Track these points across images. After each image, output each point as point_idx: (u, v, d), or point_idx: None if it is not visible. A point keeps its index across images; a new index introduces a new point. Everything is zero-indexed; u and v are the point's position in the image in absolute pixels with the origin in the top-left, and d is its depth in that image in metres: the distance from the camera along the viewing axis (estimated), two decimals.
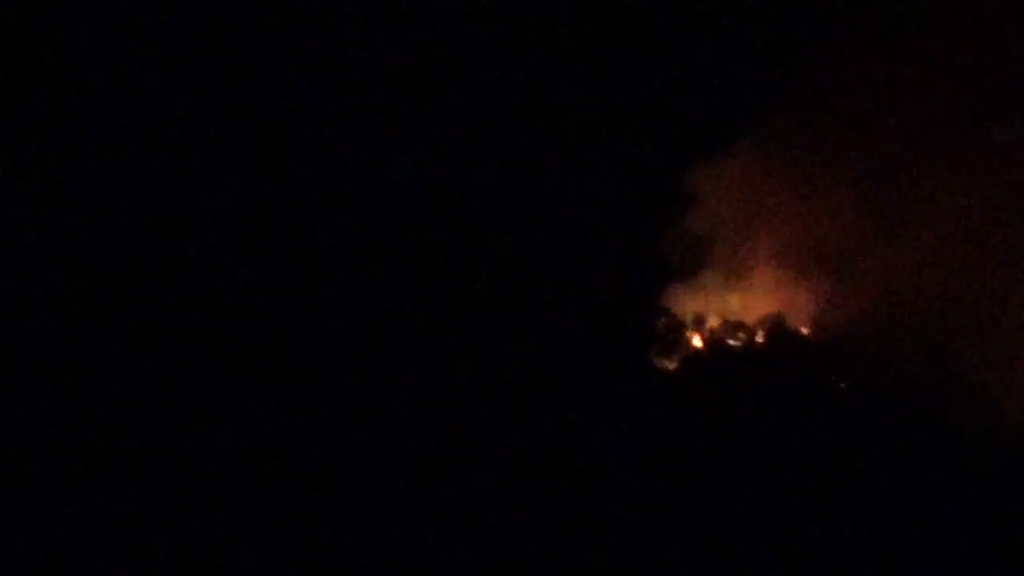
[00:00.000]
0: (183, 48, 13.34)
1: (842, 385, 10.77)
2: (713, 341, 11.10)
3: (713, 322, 11.15)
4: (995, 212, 12.12)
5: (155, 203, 13.13)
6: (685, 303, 11.09)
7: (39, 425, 11.59)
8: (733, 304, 11.18)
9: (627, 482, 10.82)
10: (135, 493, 10.91)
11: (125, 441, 11.51)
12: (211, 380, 12.23)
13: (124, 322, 12.60)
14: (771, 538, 10.28)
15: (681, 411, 10.80)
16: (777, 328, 11.09)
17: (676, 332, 11.02)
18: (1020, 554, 10.60)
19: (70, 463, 11.20)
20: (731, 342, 11.08)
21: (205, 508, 10.91)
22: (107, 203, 13.02)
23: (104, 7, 13.08)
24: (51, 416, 11.68)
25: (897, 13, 12.39)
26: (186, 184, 13.26)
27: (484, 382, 11.95)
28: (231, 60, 13.39)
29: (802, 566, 10.36)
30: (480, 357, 12.12)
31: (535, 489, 11.10)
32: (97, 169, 13.08)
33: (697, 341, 11.07)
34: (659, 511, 10.49)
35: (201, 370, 12.32)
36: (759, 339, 11.14)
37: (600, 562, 10.51)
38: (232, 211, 13.34)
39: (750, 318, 11.14)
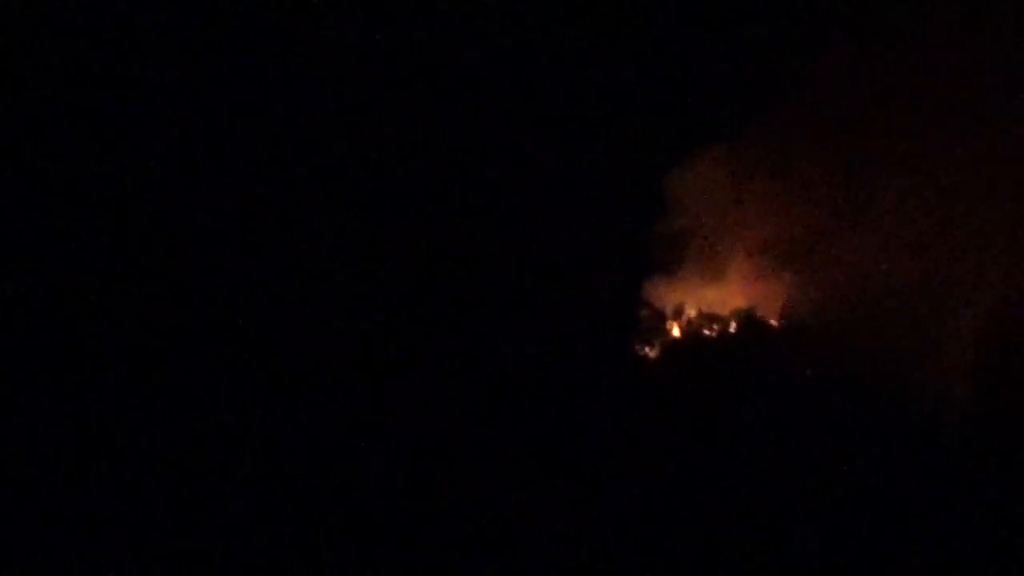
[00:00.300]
0: (183, 48, 13.01)
1: (808, 372, 10.98)
2: (691, 331, 11.38)
3: (691, 313, 11.42)
4: (952, 207, 11.65)
5: (155, 203, 12.93)
6: (666, 296, 11.37)
7: (39, 425, 11.40)
8: (709, 297, 11.48)
9: (613, 465, 10.97)
10: (135, 493, 10.81)
11: (125, 441, 11.36)
12: (211, 380, 12.06)
13: (123, 321, 12.38)
14: (750, 527, 10.47)
15: (661, 395, 11.00)
16: (749, 319, 11.44)
17: (658, 323, 11.31)
18: (991, 544, 10.69)
19: (70, 463, 11.04)
20: (707, 332, 11.41)
21: (205, 508, 10.83)
22: (107, 202, 12.81)
23: (104, 7, 12.89)
24: (51, 416, 11.47)
25: (871, 16, 11.89)
26: (185, 184, 13.06)
27: (472, 373, 11.92)
28: (231, 60, 13.18)
29: (781, 550, 10.51)
30: (470, 348, 12.13)
31: (525, 478, 11.11)
32: (97, 169, 12.83)
33: (676, 331, 11.36)
34: (647, 488, 10.69)
35: (200, 370, 12.13)
36: (732, 329, 11.46)
37: (588, 548, 10.54)
38: (232, 211, 13.13)
39: (724, 310, 11.46)
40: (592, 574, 10.80)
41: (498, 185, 12.15)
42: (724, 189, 11.35)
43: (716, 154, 11.27)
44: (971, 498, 10.91)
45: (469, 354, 11.88)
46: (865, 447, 10.96)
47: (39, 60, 12.98)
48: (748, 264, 11.52)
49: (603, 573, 10.77)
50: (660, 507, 10.63)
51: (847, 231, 11.39)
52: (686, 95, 11.55)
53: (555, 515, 10.86)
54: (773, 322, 11.47)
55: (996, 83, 11.83)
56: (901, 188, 11.39)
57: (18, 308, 12.17)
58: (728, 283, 11.52)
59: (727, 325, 11.46)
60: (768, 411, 10.86)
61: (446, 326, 12.22)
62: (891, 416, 11.10)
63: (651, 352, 11.29)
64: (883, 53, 11.71)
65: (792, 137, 11.33)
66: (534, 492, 11.03)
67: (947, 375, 11.30)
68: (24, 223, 12.49)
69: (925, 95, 11.59)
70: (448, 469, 11.46)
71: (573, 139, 11.65)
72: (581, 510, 10.74)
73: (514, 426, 11.49)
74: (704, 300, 11.51)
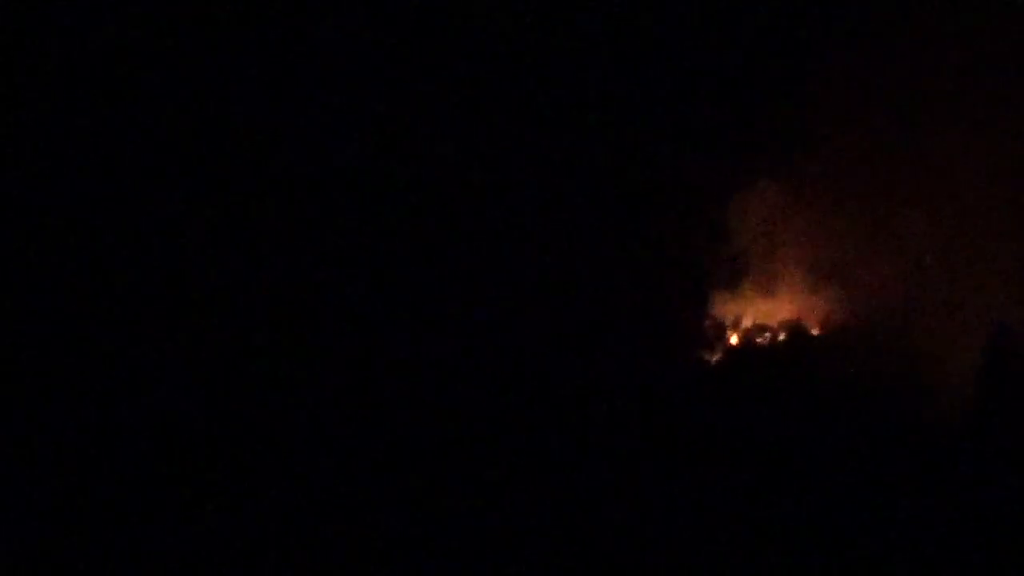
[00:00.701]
0: (182, 48, 13.02)
1: (847, 375, 12.37)
2: (746, 339, 13.12)
3: (746, 324, 13.15)
4: (965, 234, 12.91)
5: (154, 202, 12.95)
6: (726, 309, 13.15)
7: (39, 425, 11.40)
8: (761, 310, 13.20)
9: (681, 455, 11.93)
10: (135, 492, 10.78)
11: (125, 440, 11.39)
12: (210, 380, 12.09)
13: (122, 321, 12.45)
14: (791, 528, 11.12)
15: (720, 394, 12.57)
16: (794, 330, 13.15)
17: (719, 331, 13.09)
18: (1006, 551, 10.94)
19: (70, 463, 11.03)
20: (758, 340, 13.13)
21: (205, 508, 10.73)
22: (106, 202, 12.83)
23: (104, 7, 12.78)
24: (51, 415, 11.50)
25: (909, 51, 13.17)
26: (185, 183, 13.11)
27: (549, 370, 12.62)
28: (231, 60, 13.21)
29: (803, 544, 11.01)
30: (546, 348, 12.88)
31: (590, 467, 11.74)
32: (96, 168, 12.84)
33: (734, 339, 13.12)
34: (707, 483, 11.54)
35: (200, 370, 12.16)
36: (780, 338, 13.17)
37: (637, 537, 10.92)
38: (232, 210, 13.18)
39: (773, 321, 13.20)
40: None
41: (591, 222, 13.13)
42: (775, 218, 13.04)
43: (769, 188, 12.97)
44: (971, 492, 11.37)
45: (560, 352, 12.62)
46: (890, 439, 11.96)
47: (39, 60, 12.60)
48: (794, 282, 13.18)
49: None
50: (730, 485, 11.37)
51: (878, 254, 12.89)
52: (746, 140, 12.95)
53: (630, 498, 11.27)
54: (815, 331, 13.14)
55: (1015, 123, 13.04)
56: (923, 218, 12.81)
57: (18, 308, 12.11)
58: (777, 298, 13.20)
59: (776, 334, 13.15)
60: (810, 407, 12.22)
61: (546, 331, 12.90)
62: (911, 412, 12.10)
63: (713, 357, 12.99)
64: (926, 93, 12.99)
65: (833, 173, 12.96)
66: (611, 483, 11.47)
67: (957, 377, 12.32)
68: (24, 223, 12.38)
69: (948, 138, 12.86)
70: (523, 467, 11.62)
71: (657, 178, 13.04)
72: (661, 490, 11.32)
73: (591, 421, 12.27)
74: (757, 313, 13.16)
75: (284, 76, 13.59)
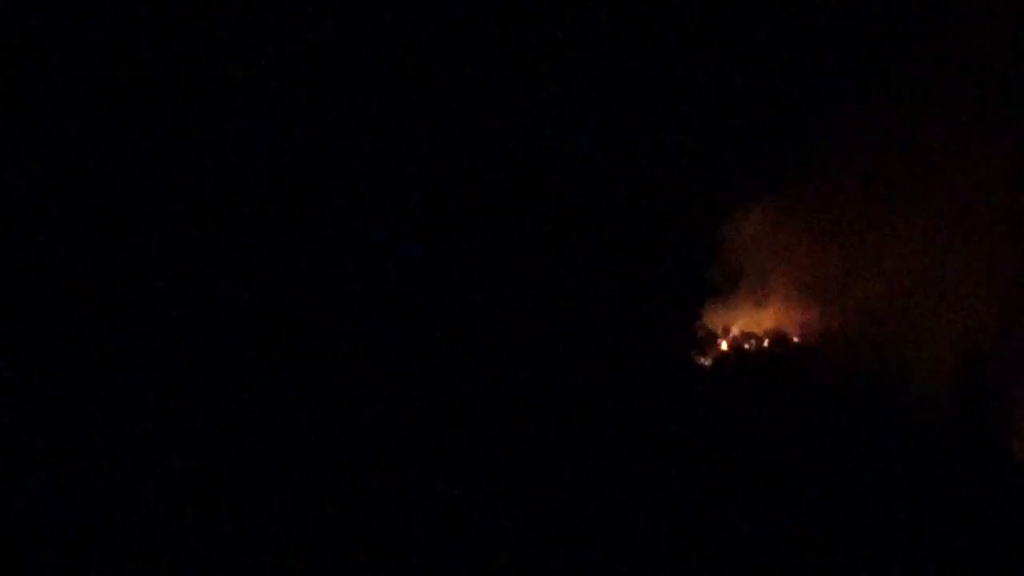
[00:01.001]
0: (182, 48, 12.96)
1: (824, 378, 13.33)
2: (735, 345, 14.18)
3: (736, 332, 14.20)
4: (937, 256, 13.70)
5: (154, 201, 12.90)
6: (718, 319, 14.18)
7: (39, 424, 11.33)
8: (749, 320, 14.25)
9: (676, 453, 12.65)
10: (136, 492, 10.71)
11: (125, 440, 11.31)
12: (210, 379, 12.05)
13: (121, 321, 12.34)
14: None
15: (712, 393, 13.60)
16: (777, 337, 14.24)
17: (711, 338, 14.13)
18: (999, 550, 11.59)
19: (70, 462, 10.95)
20: (746, 346, 14.20)
21: (205, 508, 10.69)
22: (106, 201, 12.77)
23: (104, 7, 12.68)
24: (52, 415, 11.44)
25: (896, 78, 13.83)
26: (185, 182, 13.08)
27: (562, 373, 13.02)
28: (231, 59, 13.16)
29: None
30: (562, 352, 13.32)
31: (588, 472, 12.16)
32: (96, 167, 12.78)
33: (724, 345, 14.17)
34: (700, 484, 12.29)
35: (200, 369, 12.09)
36: (765, 344, 14.25)
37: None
38: (237, 212, 13.14)
39: (759, 330, 14.25)
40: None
41: (601, 236, 13.77)
42: (762, 241, 14.04)
43: (759, 212, 13.97)
44: (949, 495, 12.31)
45: (561, 356, 13.13)
46: (867, 439, 13.01)
47: (39, 60, 12.42)
48: (777, 296, 14.27)
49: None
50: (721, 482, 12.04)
51: (853, 272, 13.94)
52: (740, 163, 13.88)
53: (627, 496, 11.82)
54: (795, 339, 14.28)
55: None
56: (900, 240, 13.78)
57: (18, 308, 12.04)
58: (763, 310, 14.29)
59: (762, 341, 14.28)
60: (792, 406, 13.33)
61: (547, 335, 13.39)
62: (888, 414, 13.13)
63: (706, 361, 14.08)
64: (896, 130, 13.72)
65: (817, 199, 13.93)
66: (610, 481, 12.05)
67: (932, 381, 13.28)
68: (24, 223, 12.30)
69: (925, 167, 13.66)
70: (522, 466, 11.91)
71: (661, 205, 13.83)
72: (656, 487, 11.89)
73: (592, 420, 12.80)
74: (746, 322, 14.26)
75: (282, 75, 13.54)
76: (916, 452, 12.96)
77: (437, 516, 11.27)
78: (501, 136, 14.13)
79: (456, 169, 14.12)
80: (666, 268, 13.88)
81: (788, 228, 14.01)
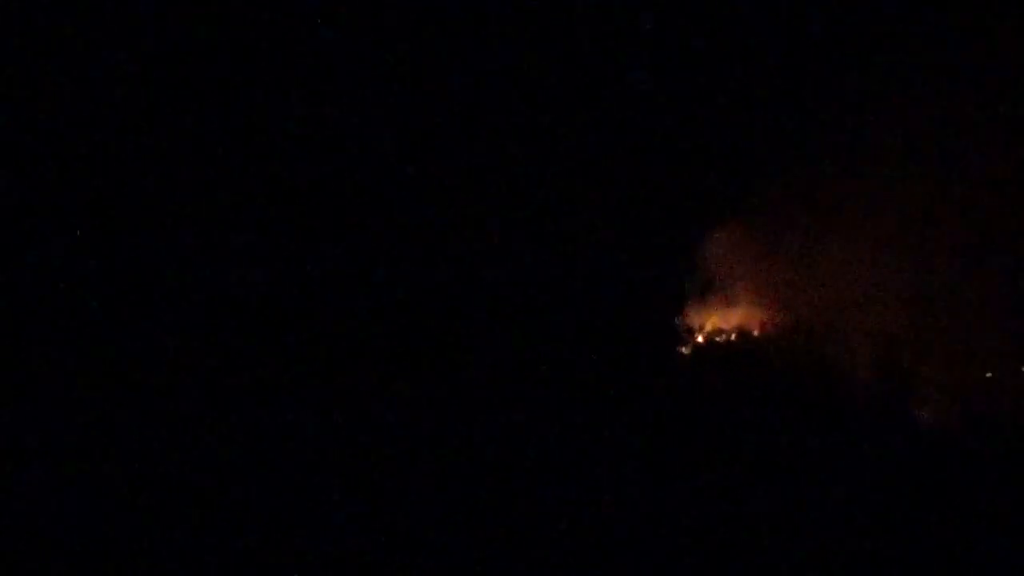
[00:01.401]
0: (182, 48, 12.55)
1: (778, 364, 15.08)
2: (709, 339, 15.89)
3: (709, 328, 15.92)
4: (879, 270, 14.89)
5: (154, 200, 12.63)
6: (695, 318, 15.92)
7: (40, 424, 11.13)
8: (719, 319, 15.99)
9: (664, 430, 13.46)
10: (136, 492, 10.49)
11: (125, 440, 11.10)
12: (209, 379, 11.89)
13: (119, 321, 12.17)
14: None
15: (691, 378, 15.22)
16: (743, 333, 15.97)
17: (690, 333, 15.84)
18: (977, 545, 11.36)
19: (70, 462, 10.72)
20: (718, 340, 15.93)
21: (205, 508, 10.44)
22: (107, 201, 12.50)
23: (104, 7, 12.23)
24: (52, 415, 11.23)
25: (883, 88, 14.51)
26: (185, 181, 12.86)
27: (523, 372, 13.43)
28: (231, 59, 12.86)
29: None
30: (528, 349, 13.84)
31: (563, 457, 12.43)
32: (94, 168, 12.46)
33: (700, 339, 15.89)
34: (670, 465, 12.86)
35: (200, 369, 11.92)
36: (732, 338, 15.94)
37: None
38: (239, 214, 12.98)
39: (729, 327, 15.96)
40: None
41: (592, 248, 14.83)
42: (731, 255, 15.86)
43: (727, 235, 15.74)
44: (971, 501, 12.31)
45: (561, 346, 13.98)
46: (814, 415, 14.14)
47: (38, 60, 11.97)
48: (744, 299, 16.09)
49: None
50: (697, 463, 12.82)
51: (801, 281, 15.68)
52: (721, 187, 15.37)
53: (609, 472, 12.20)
54: (756, 334, 16.09)
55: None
56: (835, 253, 15.33)
57: (18, 308, 11.77)
58: (732, 311, 16.08)
59: (730, 336, 16.07)
60: (754, 388, 14.95)
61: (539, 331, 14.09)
62: (828, 392, 14.48)
63: (685, 350, 15.83)
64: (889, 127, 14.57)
65: (770, 225, 15.67)
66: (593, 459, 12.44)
67: (858, 363, 14.74)
68: (24, 223, 11.95)
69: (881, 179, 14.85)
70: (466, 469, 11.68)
71: (652, 222, 15.29)
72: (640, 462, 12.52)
73: (591, 401, 13.55)
74: (717, 320, 16.03)
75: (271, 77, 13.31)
76: (852, 426, 14.07)
77: (411, 507, 11.06)
78: (490, 142, 14.38)
79: (442, 172, 14.21)
80: (657, 278, 15.51)
81: (749, 247, 15.73)
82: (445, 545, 10.53)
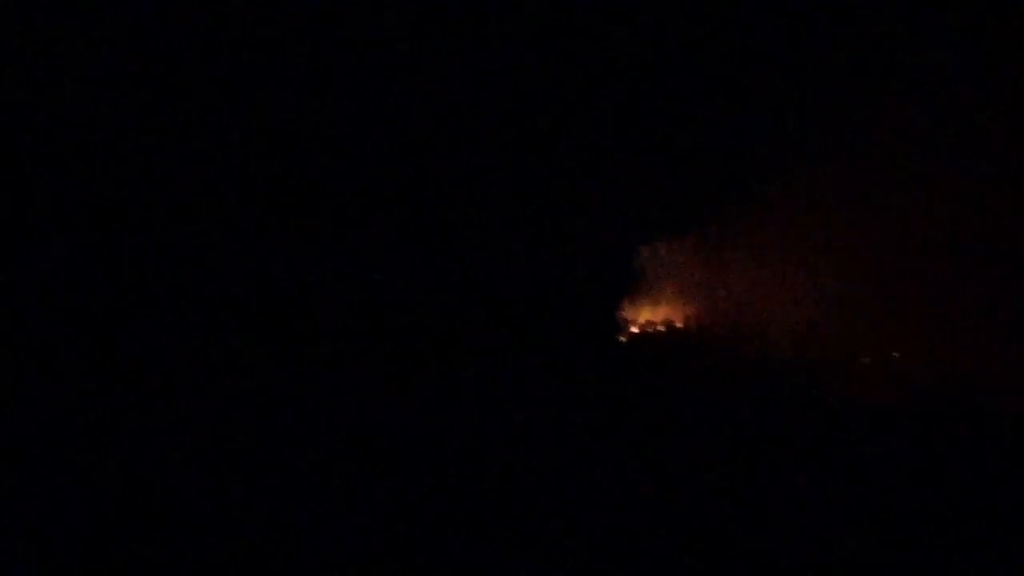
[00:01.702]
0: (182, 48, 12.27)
1: (700, 356, 16.46)
2: (641, 329, 17.72)
3: (642, 321, 17.79)
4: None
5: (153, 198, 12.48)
6: (630, 312, 17.83)
7: (41, 423, 10.78)
8: (649, 313, 17.73)
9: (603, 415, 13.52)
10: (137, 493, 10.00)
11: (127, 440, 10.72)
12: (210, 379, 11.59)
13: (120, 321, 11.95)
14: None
15: (626, 361, 16.91)
16: (668, 324, 17.71)
17: (626, 324, 17.69)
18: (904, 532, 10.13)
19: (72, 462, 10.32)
20: (648, 330, 17.67)
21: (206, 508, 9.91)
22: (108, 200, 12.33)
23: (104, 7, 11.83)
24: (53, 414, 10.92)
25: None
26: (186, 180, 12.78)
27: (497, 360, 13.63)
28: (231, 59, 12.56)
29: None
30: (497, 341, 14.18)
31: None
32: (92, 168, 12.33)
33: (635, 329, 17.73)
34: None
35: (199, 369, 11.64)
36: (660, 329, 17.69)
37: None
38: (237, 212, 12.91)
39: (657, 319, 17.75)
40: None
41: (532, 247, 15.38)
42: (658, 261, 17.74)
43: (657, 245, 17.55)
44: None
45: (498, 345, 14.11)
46: (731, 395, 14.47)
47: (39, 60, 11.62)
48: (669, 298, 17.71)
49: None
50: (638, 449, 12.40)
51: (717, 281, 16.99)
52: (652, 209, 16.39)
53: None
54: (679, 326, 17.66)
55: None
56: (747, 255, 16.63)
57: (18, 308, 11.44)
58: (660, 307, 17.90)
59: (658, 326, 17.77)
60: (679, 370, 16.26)
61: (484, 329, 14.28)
62: (746, 376, 15.06)
63: (623, 338, 17.59)
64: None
65: (696, 234, 16.77)
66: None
67: (775, 352, 15.48)
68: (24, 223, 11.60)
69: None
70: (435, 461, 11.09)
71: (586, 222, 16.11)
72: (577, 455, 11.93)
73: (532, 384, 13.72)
74: (648, 314, 17.87)
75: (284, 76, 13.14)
76: (758, 397, 14.58)
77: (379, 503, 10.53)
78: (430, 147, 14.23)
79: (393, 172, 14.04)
80: (603, 282, 17.34)
81: (673, 257, 17.67)
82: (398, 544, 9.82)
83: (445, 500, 10.21)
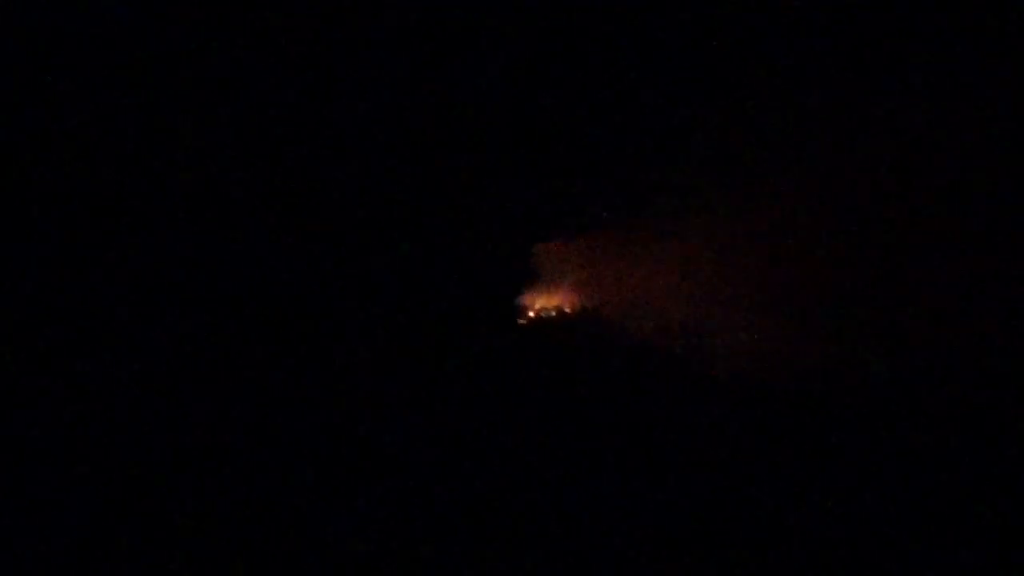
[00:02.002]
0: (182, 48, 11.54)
1: (589, 332, 18.26)
2: (537, 314, 20.40)
3: (537, 307, 20.57)
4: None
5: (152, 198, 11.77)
6: (528, 299, 20.35)
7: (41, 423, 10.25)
8: (544, 300, 20.94)
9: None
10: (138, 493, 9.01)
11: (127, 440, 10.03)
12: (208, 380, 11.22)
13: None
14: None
15: (524, 343, 18.13)
16: (560, 310, 20.70)
17: (524, 309, 20.05)
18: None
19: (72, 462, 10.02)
20: (544, 315, 20.34)
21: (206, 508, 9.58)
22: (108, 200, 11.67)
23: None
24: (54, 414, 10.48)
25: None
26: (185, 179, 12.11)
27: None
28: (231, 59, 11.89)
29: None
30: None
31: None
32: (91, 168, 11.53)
33: (531, 314, 20.18)
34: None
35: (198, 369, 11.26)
36: (553, 314, 20.35)
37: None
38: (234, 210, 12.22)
39: (550, 306, 20.73)
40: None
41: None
42: (555, 258, 20.91)
43: (551, 244, 21.05)
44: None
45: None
46: (615, 377, 14.84)
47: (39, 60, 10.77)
48: (562, 288, 21.33)
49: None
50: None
51: (601, 276, 21.22)
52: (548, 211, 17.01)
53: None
54: (568, 311, 20.70)
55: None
56: (626, 256, 21.56)
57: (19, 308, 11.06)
58: (553, 295, 21.20)
59: (551, 311, 20.79)
60: (569, 349, 17.33)
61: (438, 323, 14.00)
62: (617, 358, 16.30)
63: (523, 321, 19.92)
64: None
65: (579, 234, 21.29)
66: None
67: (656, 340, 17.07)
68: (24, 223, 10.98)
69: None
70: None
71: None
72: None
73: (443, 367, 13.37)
74: (544, 302, 21.03)
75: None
76: (638, 375, 15.32)
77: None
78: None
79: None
80: (505, 273, 17.69)
81: (565, 254, 21.07)
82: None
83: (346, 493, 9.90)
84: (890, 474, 9.79)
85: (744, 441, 11.26)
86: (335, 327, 12.92)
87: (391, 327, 13.51)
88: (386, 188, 13.38)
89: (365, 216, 13.28)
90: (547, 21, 10.97)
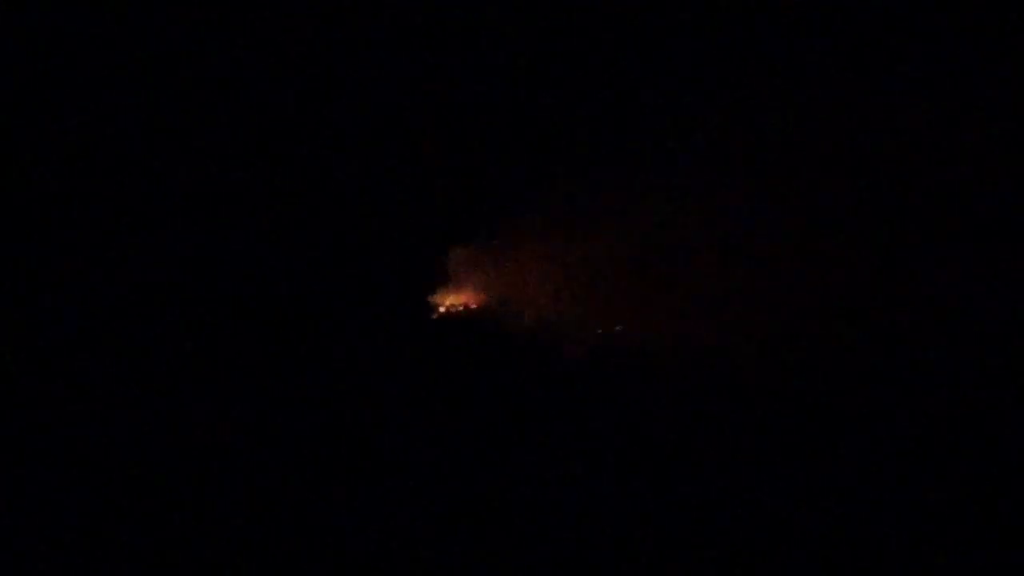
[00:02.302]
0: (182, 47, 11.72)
1: (488, 329, 22.42)
2: (447, 310, 24.03)
3: (448, 304, 23.97)
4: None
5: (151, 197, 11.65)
6: (439, 297, 23.58)
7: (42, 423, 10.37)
8: (452, 299, 24.15)
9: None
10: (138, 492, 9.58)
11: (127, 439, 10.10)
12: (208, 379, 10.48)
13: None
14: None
15: (435, 334, 23.03)
16: (467, 306, 24.33)
17: (436, 306, 23.29)
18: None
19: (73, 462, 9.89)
20: (451, 311, 23.98)
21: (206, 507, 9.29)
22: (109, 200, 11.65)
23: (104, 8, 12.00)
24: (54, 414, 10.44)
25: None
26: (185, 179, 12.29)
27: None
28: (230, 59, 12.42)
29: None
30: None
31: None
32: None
33: (442, 309, 23.84)
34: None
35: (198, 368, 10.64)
36: (460, 309, 23.93)
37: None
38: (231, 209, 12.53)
39: (459, 303, 23.96)
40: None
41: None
42: (462, 261, 24.04)
43: (457, 251, 23.82)
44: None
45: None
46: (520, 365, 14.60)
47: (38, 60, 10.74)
48: (467, 287, 24.64)
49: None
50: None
51: (500, 277, 23.95)
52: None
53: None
54: (474, 306, 24.36)
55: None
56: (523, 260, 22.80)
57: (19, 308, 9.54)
58: (460, 293, 24.25)
59: (458, 308, 24.39)
60: (474, 340, 22.62)
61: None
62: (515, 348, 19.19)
63: (433, 316, 24.01)
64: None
65: (485, 240, 23.71)
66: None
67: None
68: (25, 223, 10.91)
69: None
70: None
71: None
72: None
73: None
74: (452, 299, 24.52)
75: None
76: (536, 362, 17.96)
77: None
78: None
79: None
80: (419, 275, 22.93)
81: (470, 257, 23.98)
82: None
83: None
84: (888, 474, 9.49)
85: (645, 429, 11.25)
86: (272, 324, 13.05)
87: (312, 325, 13.78)
88: (312, 190, 13.43)
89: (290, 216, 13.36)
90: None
